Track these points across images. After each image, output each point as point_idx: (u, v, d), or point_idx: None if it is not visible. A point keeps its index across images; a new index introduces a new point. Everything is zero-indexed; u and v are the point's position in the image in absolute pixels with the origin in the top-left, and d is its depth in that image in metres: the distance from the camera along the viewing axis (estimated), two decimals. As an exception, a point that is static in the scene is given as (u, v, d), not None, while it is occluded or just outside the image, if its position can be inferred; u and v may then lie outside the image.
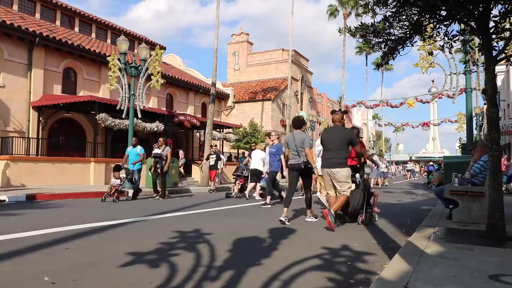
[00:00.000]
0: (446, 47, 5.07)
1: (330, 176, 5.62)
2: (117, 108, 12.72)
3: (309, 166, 6.06)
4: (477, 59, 10.58)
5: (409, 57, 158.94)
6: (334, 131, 5.79)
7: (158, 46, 15.87)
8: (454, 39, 4.83)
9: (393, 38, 4.90)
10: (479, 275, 2.56)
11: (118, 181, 9.52)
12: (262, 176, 10.49)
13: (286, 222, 5.73)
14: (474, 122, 19.66)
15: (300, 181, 6.60)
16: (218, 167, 14.54)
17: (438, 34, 4.98)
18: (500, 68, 28.78)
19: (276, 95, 29.34)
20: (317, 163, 6.82)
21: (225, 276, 2.87)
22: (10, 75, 14.58)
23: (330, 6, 32.67)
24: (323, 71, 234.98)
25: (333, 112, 6.00)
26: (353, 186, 5.92)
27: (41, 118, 15.50)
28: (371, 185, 18.69)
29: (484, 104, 18.75)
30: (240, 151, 22.90)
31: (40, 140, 14.97)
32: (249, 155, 12.15)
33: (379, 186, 19.45)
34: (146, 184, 13.21)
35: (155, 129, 16.49)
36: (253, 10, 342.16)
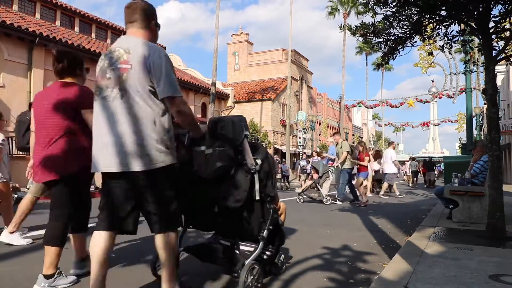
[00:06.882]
0: (446, 47, 5.07)
1: None
2: (117, 108, 12.70)
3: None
4: (477, 59, 10.58)
5: (410, 60, 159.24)
6: None
7: (158, 46, 15.84)
8: (454, 39, 4.83)
9: (393, 38, 4.91)
10: (479, 275, 2.56)
11: None
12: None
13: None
14: (474, 122, 19.60)
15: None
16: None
17: (438, 34, 4.98)
18: (500, 68, 28.77)
19: (276, 95, 29.34)
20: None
21: (226, 276, 2.87)
22: (10, 75, 14.57)
23: (330, 1, 32.48)
24: (326, 74, 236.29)
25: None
26: None
27: (41, 118, 15.49)
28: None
29: (484, 104, 18.75)
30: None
31: (40, 140, 14.94)
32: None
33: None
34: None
35: (155, 129, 16.45)
36: (261, 18, 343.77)
